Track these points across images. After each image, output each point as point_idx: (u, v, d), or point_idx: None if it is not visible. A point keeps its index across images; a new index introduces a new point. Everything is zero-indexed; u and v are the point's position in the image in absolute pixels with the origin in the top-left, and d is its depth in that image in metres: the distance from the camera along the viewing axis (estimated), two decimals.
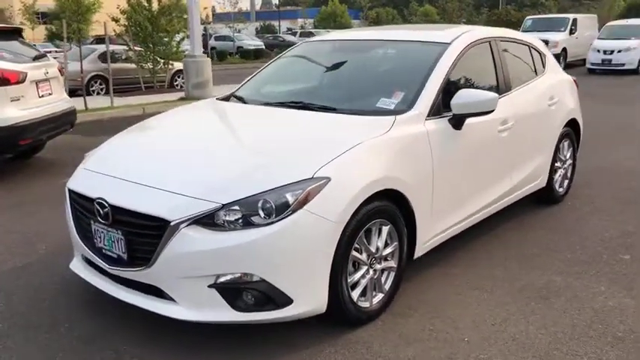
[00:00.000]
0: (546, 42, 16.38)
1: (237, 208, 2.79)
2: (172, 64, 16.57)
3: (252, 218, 2.79)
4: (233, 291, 2.83)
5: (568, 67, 20.12)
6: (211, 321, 2.89)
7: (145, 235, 2.91)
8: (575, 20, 22.47)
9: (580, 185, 5.82)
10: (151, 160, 3.28)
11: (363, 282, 3.19)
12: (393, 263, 3.37)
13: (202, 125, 3.87)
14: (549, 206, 5.30)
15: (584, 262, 4.11)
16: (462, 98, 3.67)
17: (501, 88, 4.37)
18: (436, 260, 3.99)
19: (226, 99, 4.48)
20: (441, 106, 3.70)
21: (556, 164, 5.21)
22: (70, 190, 3.37)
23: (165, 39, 15.79)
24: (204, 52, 14.48)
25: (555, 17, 23.55)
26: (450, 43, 4.04)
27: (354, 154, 3.09)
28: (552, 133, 5.05)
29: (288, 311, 2.86)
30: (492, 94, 3.73)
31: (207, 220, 2.80)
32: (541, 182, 5.00)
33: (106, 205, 2.99)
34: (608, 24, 22.45)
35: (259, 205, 2.79)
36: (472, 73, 4.17)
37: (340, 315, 3.08)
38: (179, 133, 3.75)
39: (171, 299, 2.91)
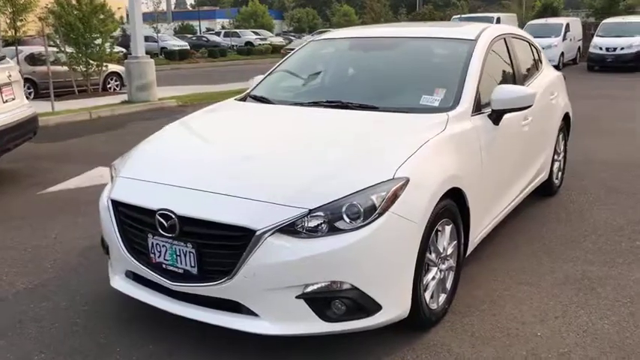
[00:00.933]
0: None
1: (321, 213, 2.65)
2: (106, 66, 15.83)
3: (336, 223, 2.65)
4: (322, 301, 2.68)
5: None
6: (298, 334, 2.73)
7: (222, 246, 2.71)
8: (499, 19, 23.49)
9: (567, 176, 6.01)
10: (212, 166, 3.04)
11: (433, 284, 3.13)
12: (452, 262, 3.33)
13: (247, 128, 3.65)
14: (547, 198, 5.44)
15: (607, 251, 4.23)
16: (503, 94, 3.68)
17: (518, 83, 4.43)
18: (469, 256, 3.98)
19: (243, 99, 4.29)
20: (480, 102, 3.69)
21: (555, 157, 5.35)
22: (114, 202, 3.08)
23: (98, 40, 15.02)
24: (127, 53, 13.87)
25: (482, 16, 24.48)
26: (476, 40, 4.04)
27: (424, 153, 3.02)
28: (554, 127, 5.20)
29: (377, 318, 2.75)
30: (531, 90, 3.77)
31: (290, 228, 2.64)
32: (545, 175, 5.13)
33: (173, 216, 2.75)
34: (530, 22, 23.58)
35: (343, 209, 2.66)
36: (495, 68, 4.20)
37: (416, 318, 2.99)
38: (226, 136, 3.50)
39: (251, 313, 2.72)
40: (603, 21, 22.58)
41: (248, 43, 40.99)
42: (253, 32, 44.99)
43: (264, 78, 4.49)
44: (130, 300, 3.15)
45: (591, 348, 2.98)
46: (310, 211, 2.64)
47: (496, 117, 3.73)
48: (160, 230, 2.81)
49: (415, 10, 49.91)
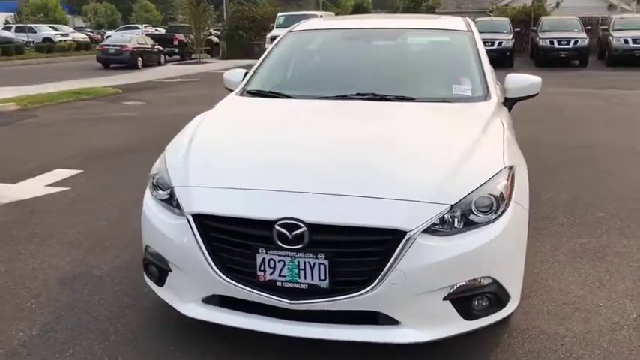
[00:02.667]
0: None
1: (457, 208, 2.54)
2: None
3: (470, 217, 2.56)
4: (464, 299, 2.56)
5: None
6: (441, 337, 2.57)
7: (362, 253, 2.45)
8: (321, 17, 24.34)
9: None
10: (319, 167, 2.68)
11: None
12: None
13: (300, 125, 3.28)
14: None
15: (581, 224, 4.65)
16: (517, 82, 3.85)
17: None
18: None
19: (240, 94, 3.90)
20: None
21: None
22: (204, 217, 2.57)
23: None
24: None
25: (305, 14, 25.07)
26: (471, 31, 4.16)
27: (507, 142, 3.04)
28: None
29: (508, 309, 2.71)
30: (538, 78, 3.97)
31: (431, 226, 2.48)
32: None
33: (302, 225, 2.41)
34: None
35: (474, 202, 2.58)
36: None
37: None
38: (294, 135, 3.11)
39: (390, 322, 2.51)
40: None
41: (47, 39, 37.17)
42: (52, 27, 40.89)
43: (255, 72, 4.09)
44: (189, 330, 2.75)
45: None
46: (452, 206, 2.51)
47: (510, 105, 3.89)
48: (278, 243, 2.45)
49: (220, 7, 49.41)
